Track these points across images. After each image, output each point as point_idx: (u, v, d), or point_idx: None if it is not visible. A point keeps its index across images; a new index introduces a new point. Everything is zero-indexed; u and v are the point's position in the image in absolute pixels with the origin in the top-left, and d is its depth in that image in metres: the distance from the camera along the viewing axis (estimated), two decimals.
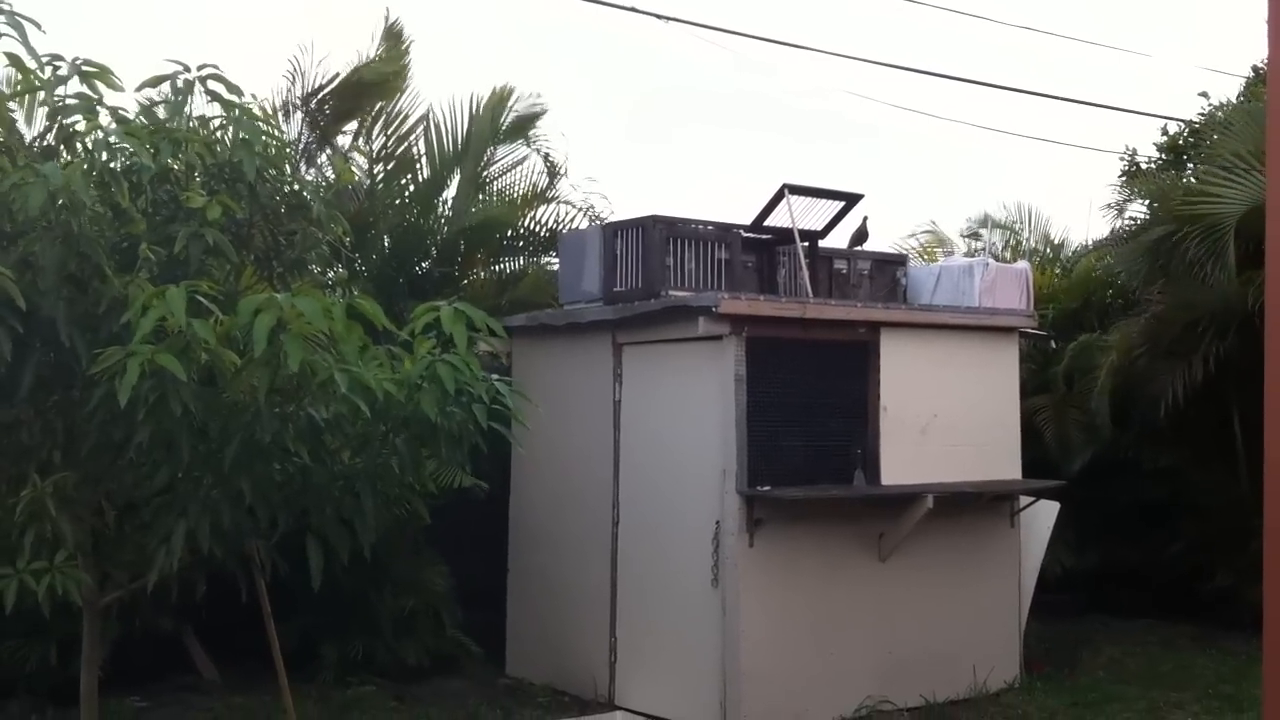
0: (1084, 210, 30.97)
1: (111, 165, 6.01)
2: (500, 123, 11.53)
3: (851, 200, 9.78)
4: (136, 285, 5.56)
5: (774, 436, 8.50)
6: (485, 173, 11.72)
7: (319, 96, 11.13)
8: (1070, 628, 11.40)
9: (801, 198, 9.57)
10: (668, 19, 10.57)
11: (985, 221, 15.30)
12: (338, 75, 11.11)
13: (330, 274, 9.71)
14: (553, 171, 11.78)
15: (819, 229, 9.84)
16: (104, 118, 6.11)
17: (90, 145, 6.14)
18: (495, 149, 11.67)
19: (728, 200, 24.74)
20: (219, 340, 5.36)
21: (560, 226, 11.73)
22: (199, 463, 5.62)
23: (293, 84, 11.13)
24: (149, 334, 5.18)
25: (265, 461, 5.76)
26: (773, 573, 8.40)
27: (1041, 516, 10.05)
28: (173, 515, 5.71)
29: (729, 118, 27.61)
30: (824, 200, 9.72)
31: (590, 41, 28.36)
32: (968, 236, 15.39)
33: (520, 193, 11.84)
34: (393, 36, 11.39)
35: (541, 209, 11.84)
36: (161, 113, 6.54)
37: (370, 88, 11.21)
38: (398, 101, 11.45)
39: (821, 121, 28.09)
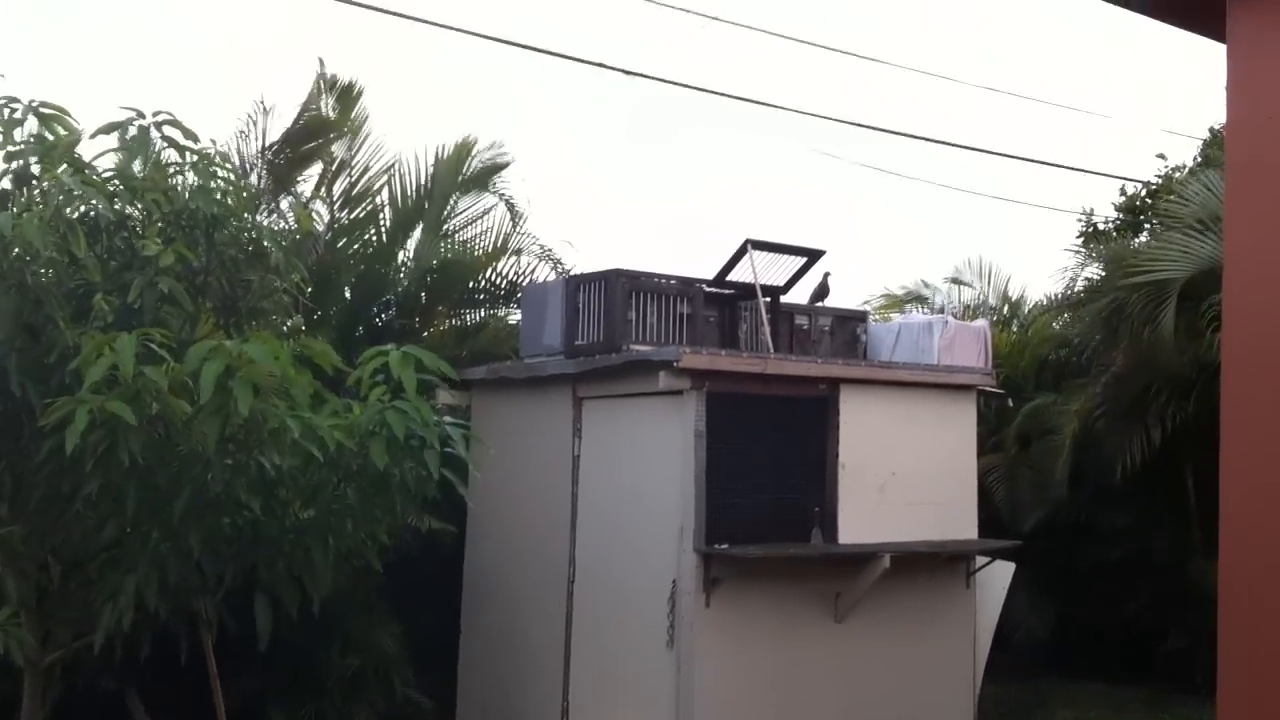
0: (1042, 268, 31.35)
1: (68, 212, 5.93)
2: (463, 172, 11.51)
3: (813, 256, 9.81)
4: (89, 335, 5.47)
5: (733, 493, 8.45)
6: (448, 224, 11.68)
7: (275, 145, 11.06)
8: (1025, 689, 11.37)
9: (764, 253, 9.59)
10: (630, 73, 10.59)
11: (927, 286, 15.38)
12: (293, 121, 11.06)
13: (288, 323, 9.61)
14: (515, 219, 11.76)
15: (781, 284, 9.86)
16: (61, 162, 6.04)
17: (48, 189, 6.06)
18: (458, 200, 11.65)
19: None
20: (171, 388, 5.28)
21: (521, 278, 11.69)
22: (147, 516, 5.51)
23: (249, 131, 11.06)
24: (99, 382, 5.09)
25: (215, 514, 5.67)
26: (729, 632, 8.32)
27: (997, 576, 10.04)
28: (120, 572, 5.59)
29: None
30: (786, 256, 9.75)
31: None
32: (910, 302, 15.44)
33: (483, 245, 11.81)
34: (342, 87, 11.35)
35: (504, 261, 11.80)
36: (114, 159, 6.48)
37: (323, 131, 11.15)
38: (357, 150, 11.41)
39: (790, 171, 28.47)
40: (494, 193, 11.79)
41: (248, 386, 5.16)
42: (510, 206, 11.78)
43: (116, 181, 6.42)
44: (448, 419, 6.19)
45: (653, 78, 10.85)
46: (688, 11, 11.02)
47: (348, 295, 11.10)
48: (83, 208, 6.07)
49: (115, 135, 6.55)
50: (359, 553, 6.48)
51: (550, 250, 11.80)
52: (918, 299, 15.27)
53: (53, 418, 5.14)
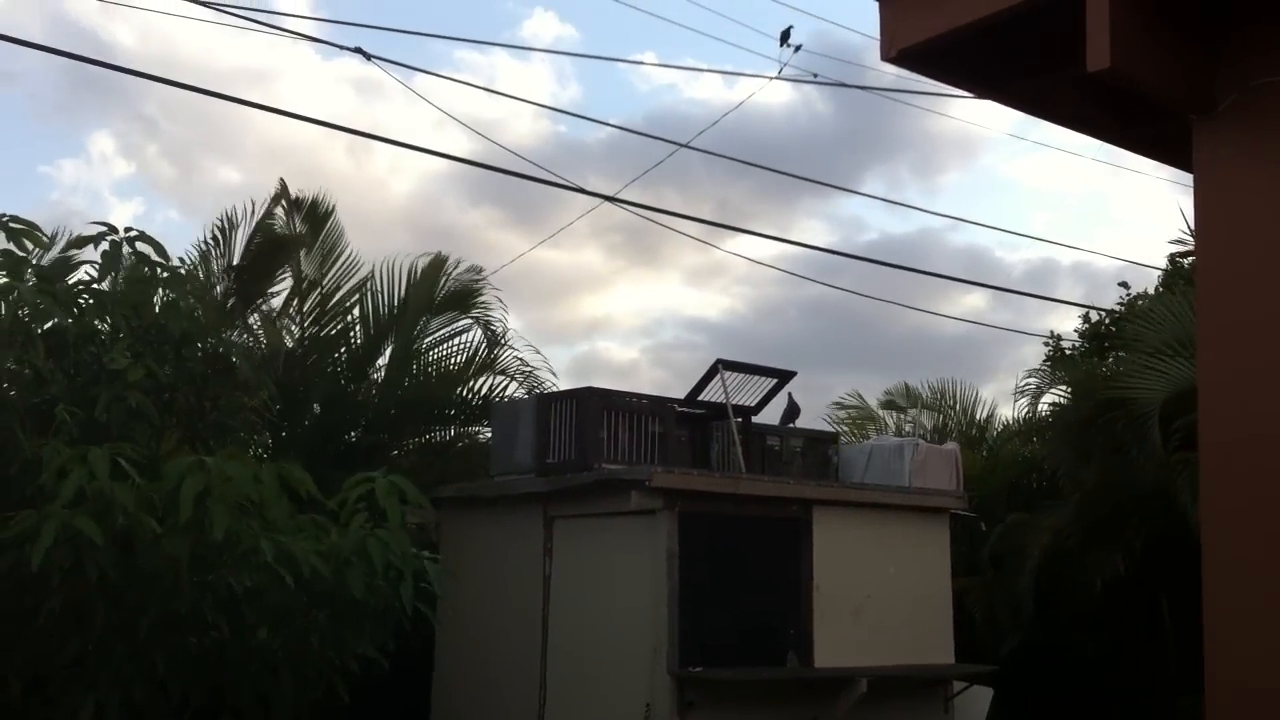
0: (1008, 391, 31.57)
1: (32, 326, 5.90)
2: (436, 292, 11.52)
3: (784, 378, 9.85)
4: (51, 448, 5.38)
5: (706, 614, 8.33)
6: (420, 342, 11.65)
7: (239, 259, 11.06)
8: None
9: (735, 374, 9.61)
10: (609, 198, 10.72)
11: (906, 396, 15.35)
12: (256, 237, 11.07)
13: (254, 439, 9.50)
14: (492, 341, 11.71)
15: (752, 405, 9.86)
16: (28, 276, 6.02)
17: (12, 302, 6.02)
18: (430, 319, 11.63)
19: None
20: (138, 505, 5.19)
21: (494, 395, 11.63)
22: (112, 633, 5.36)
23: (217, 248, 11.06)
24: (67, 498, 5.00)
25: (182, 633, 5.52)
26: None
27: (975, 702, 9.89)
28: (81, 688, 5.41)
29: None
30: (757, 377, 9.77)
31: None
32: (886, 408, 15.39)
33: (455, 363, 11.76)
34: (308, 204, 11.40)
35: (476, 380, 11.75)
36: (86, 272, 6.47)
37: (286, 247, 11.16)
38: (329, 267, 11.42)
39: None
40: (469, 316, 11.79)
41: (223, 506, 5.09)
42: (485, 325, 11.77)
43: (86, 296, 6.40)
44: (425, 554, 6.12)
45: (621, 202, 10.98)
46: None
47: (317, 410, 11.01)
48: (49, 322, 6.03)
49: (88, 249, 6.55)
50: (325, 679, 6.32)
51: (526, 365, 11.77)
52: (894, 406, 15.22)
53: (13, 532, 5.03)
